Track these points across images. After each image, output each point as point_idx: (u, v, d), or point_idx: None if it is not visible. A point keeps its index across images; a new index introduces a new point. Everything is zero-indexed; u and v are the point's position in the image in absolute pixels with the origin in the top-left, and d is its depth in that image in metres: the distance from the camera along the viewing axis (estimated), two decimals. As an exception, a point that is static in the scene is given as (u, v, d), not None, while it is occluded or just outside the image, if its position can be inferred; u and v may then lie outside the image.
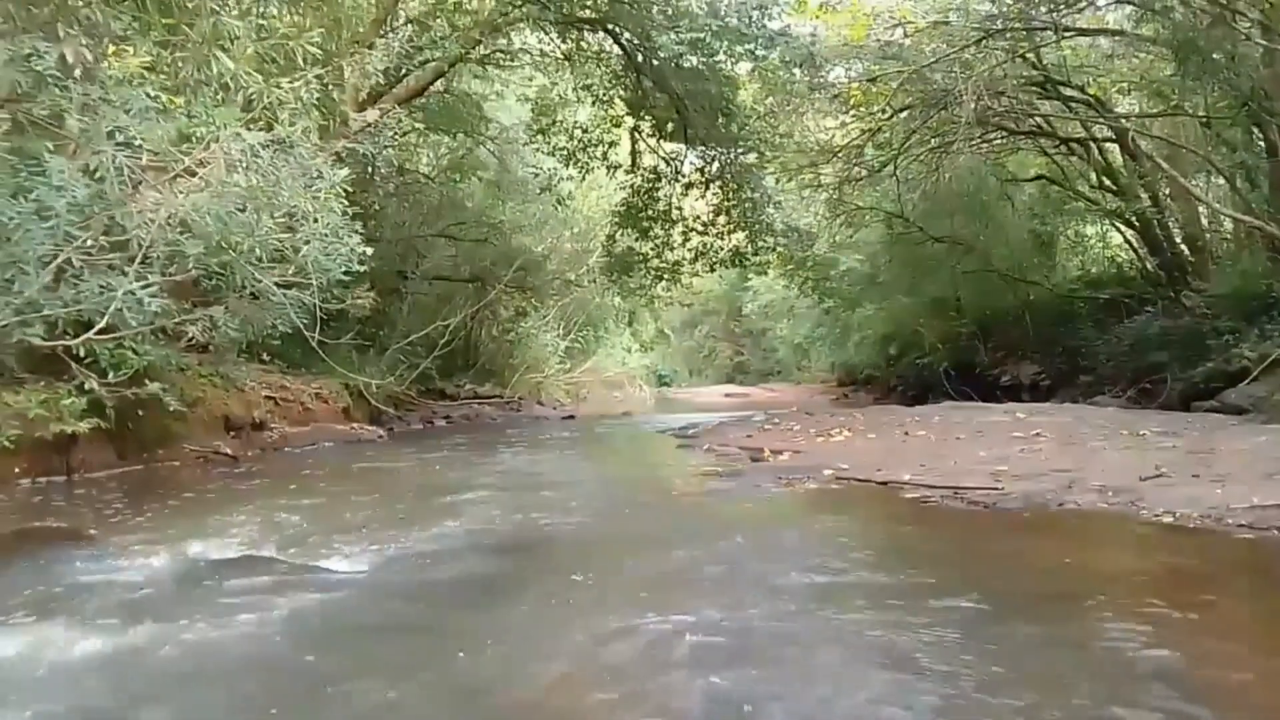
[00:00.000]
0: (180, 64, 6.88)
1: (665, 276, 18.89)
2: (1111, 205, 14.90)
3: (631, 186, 17.70)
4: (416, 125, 13.96)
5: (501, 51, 14.80)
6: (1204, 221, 14.54)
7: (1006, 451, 7.38)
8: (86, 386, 6.72)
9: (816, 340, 28.82)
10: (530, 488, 7.19)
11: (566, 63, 15.19)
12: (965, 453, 7.52)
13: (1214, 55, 10.31)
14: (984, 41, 11.39)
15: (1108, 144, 14.38)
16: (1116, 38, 12.71)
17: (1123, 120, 13.33)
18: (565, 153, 16.89)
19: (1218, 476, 5.78)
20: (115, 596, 3.55)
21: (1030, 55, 12.43)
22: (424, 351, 14.66)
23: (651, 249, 18.19)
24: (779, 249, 18.29)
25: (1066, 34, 11.87)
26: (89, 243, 5.36)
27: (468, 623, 3.42)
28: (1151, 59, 12.64)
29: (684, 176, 17.27)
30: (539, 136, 16.96)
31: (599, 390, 26.14)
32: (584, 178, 18.03)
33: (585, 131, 16.86)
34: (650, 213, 17.71)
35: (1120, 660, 2.85)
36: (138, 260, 5.58)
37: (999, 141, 15.11)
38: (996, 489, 5.98)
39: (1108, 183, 14.80)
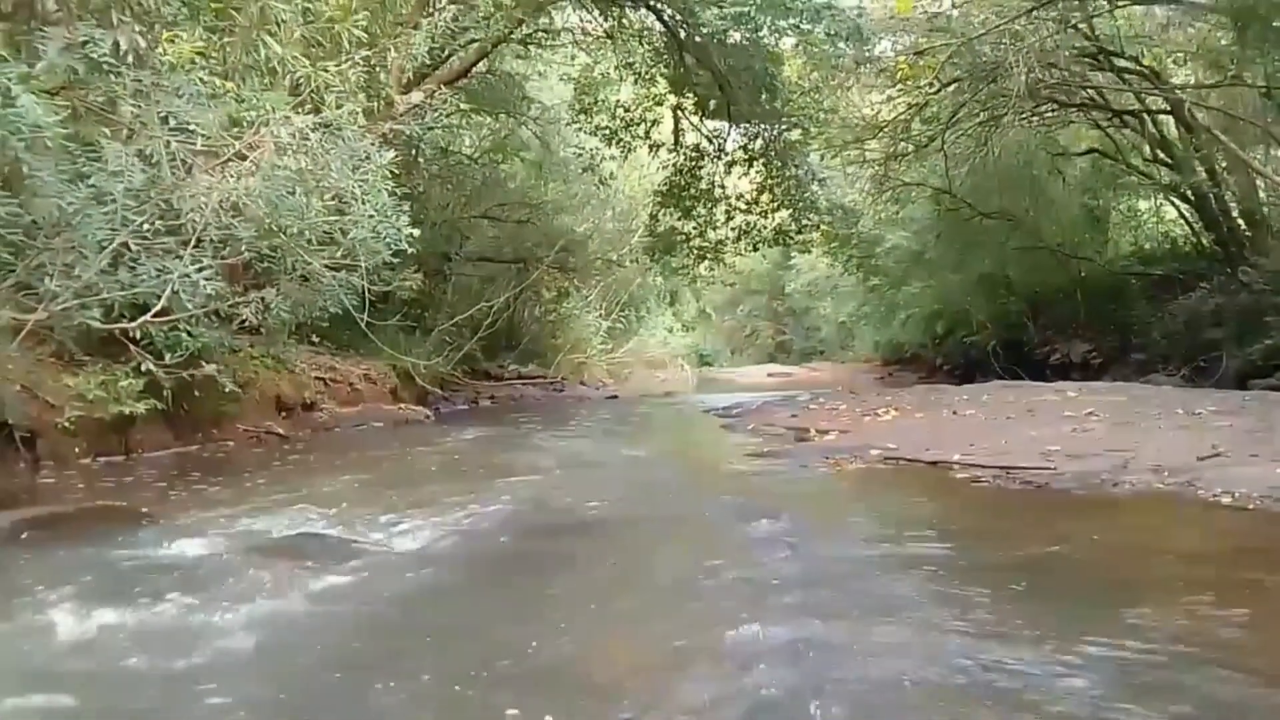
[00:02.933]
0: (229, 49, 6.98)
1: (708, 256, 18.85)
2: (1166, 179, 14.58)
3: (674, 165, 17.64)
4: (460, 106, 14.00)
5: (544, 31, 14.80)
6: (1262, 195, 14.13)
7: (1058, 431, 7.26)
8: (143, 368, 6.85)
9: (861, 319, 28.57)
10: (577, 467, 7.24)
11: (608, 41, 15.13)
12: (1016, 432, 7.41)
13: (1274, 23, 9.98)
14: (1035, 12, 11.12)
15: (1162, 116, 14.01)
16: (1172, 6, 12.35)
17: (1178, 91, 12.96)
18: (607, 132, 16.86)
19: (1278, 456, 5.65)
20: (178, 573, 3.63)
21: (1083, 25, 12.11)
22: (468, 332, 14.77)
23: (694, 228, 18.15)
24: (823, 227, 18.18)
25: (1120, 3, 11.57)
26: (145, 227, 5.45)
27: (525, 596, 3.45)
28: (1209, 28, 12.26)
29: (727, 154, 17.18)
30: (581, 116, 16.94)
31: (641, 370, 26.15)
32: (626, 157, 18.00)
33: (627, 110, 16.81)
34: (693, 191, 17.65)
35: (1177, 641, 2.81)
36: (192, 244, 5.67)
37: (1050, 114, 14.77)
38: (1049, 469, 5.89)
39: (1162, 156, 14.45)
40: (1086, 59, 13.00)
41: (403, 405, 11.67)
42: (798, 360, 37.75)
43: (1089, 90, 13.96)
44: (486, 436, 9.63)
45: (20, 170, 4.71)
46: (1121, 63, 12.88)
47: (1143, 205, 17.82)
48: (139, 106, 5.66)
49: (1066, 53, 12.11)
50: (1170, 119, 13.82)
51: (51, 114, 4.77)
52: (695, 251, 18.66)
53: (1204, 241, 14.89)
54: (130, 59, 5.50)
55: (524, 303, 18.99)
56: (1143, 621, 2.99)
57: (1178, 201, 15.27)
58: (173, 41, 5.92)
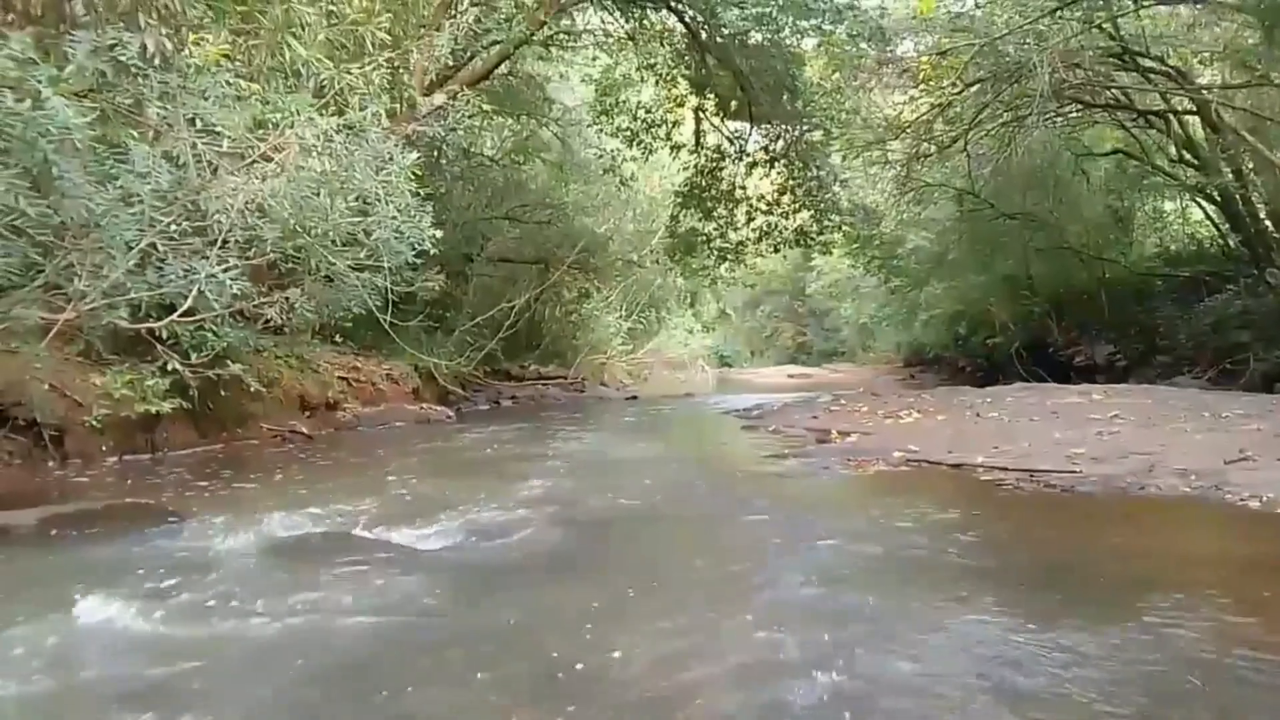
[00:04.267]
0: (254, 51, 7.03)
1: (728, 257, 18.80)
2: (1192, 180, 14.43)
3: (695, 166, 17.63)
4: (482, 108, 14.06)
5: (565, 32, 14.83)
6: (1289, 196, 13.98)
7: (1083, 434, 7.21)
8: (169, 367, 6.92)
9: (882, 320, 28.46)
10: (599, 467, 7.24)
11: (630, 42, 15.13)
12: (1039, 435, 7.36)
13: (1303, 22, 9.87)
14: (1059, 12, 11.05)
15: (1188, 116, 13.88)
16: (1198, 6, 12.22)
17: (1204, 91, 12.83)
18: (628, 133, 16.85)
19: (1307, 460, 5.59)
20: (204, 570, 3.66)
21: (1107, 25, 12.01)
22: (489, 333, 14.82)
23: (715, 229, 18.13)
24: (845, 227, 18.12)
25: (1145, 3, 11.46)
26: (172, 228, 5.49)
27: (550, 597, 3.46)
28: (1236, 27, 12.13)
29: (748, 155, 17.14)
30: (602, 117, 16.95)
31: (661, 371, 26.19)
32: (647, 158, 17.98)
33: (648, 111, 16.80)
34: (714, 192, 17.63)
35: (1202, 645, 2.79)
36: (218, 244, 5.71)
37: (1074, 115, 14.65)
38: (1073, 472, 5.85)
39: (1188, 156, 14.32)
40: (1111, 59, 12.88)
41: (424, 405, 11.73)
42: (818, 361, 37.67)
43: (1114, 90, 13.85)
44: (508, 436, 9.65)
45: (50, 171, 4.76)
46: (1147, 63, 12.76)
47: (1168, 206, 17.67)
48: (166, 108, 5.71)
49: (1091, 53, 12.02)
50: (1196, 119, 13.69)
51: (80, 116, 4.82)
52: (716, 252, 18.64)
53: (1230, 243, 14.73)
54: (157, 61, 5.55)
55: (545, 303, 19.04)
56: (1167, 626, 2.97)
57: (1204, 202, 15.13)
58: (199, 44, 5.97)
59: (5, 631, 2.90)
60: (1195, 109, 13.28)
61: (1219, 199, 14.04)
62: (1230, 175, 13.19)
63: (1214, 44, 12.92)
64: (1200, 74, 14.02)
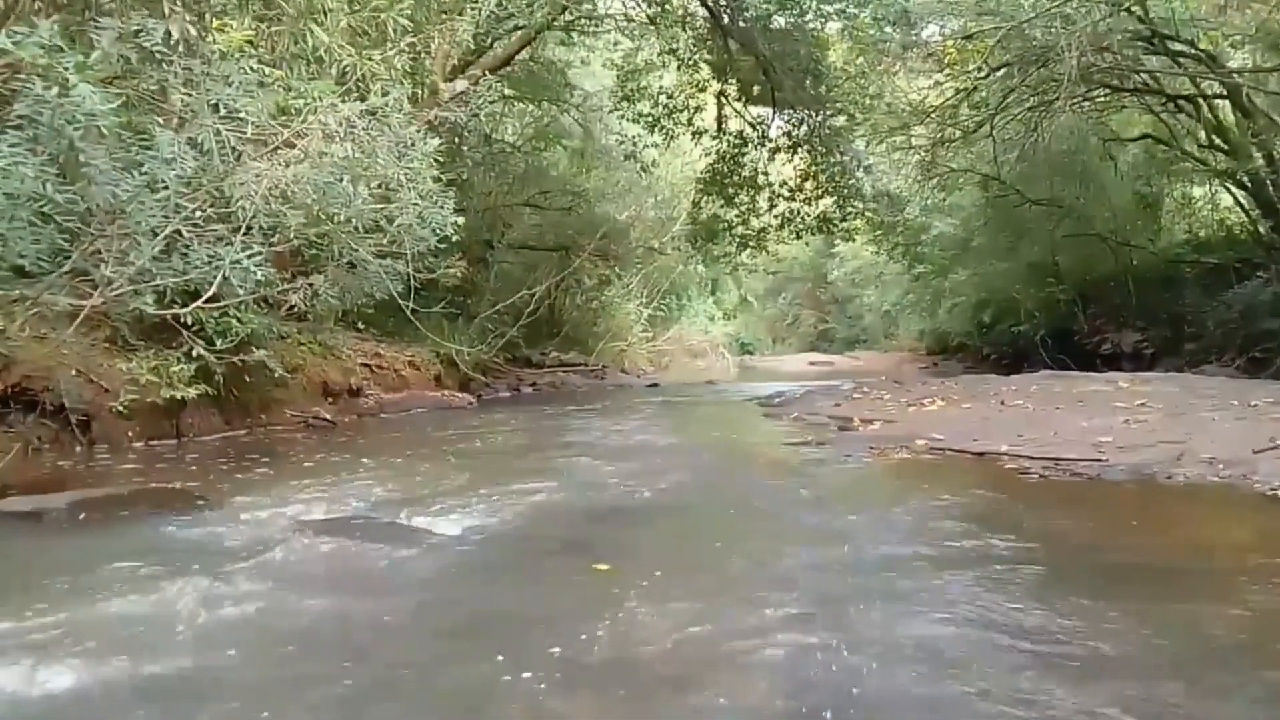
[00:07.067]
0: (277, 37, 7.04)
1: (750, 244, 18.74)
2: (1222, 165, 14.21)
3: (717, 152, 17.56)
4: (504, 94, 14.05)
5: (587, 17, 14.76)
6: (1321, 182, 13.75)
7: (1109, 422, 7.14)
8: (194, 353, 6.96)
9: (905, 307, 28.29)
10: (620, 454, 7.23)
11: (651, 27, 15.05)
12: (1066, 423, 7.29)
13: (1340, 3, 9.69)
14: (1087, -6, 10.89)
15: (1219, 101, 13.67)
16: (1231, -13, 12.04)
17: (1235, 75, 12.63)
18: (650, 119, 16.79)
19: (1339, 449, 5.50)
20: (231, 555, 3.69)
21: (1136, 8, 11.82)
22: (510, 320, 14.84)
23: (736, 216, 18.08)
24: (868, 214, 18.01)
25: (1176, -16, 11.29)
26: (196, 214, 5.51)
27: (572, 582, 3.46)
28: (1269, 10, 11.92)
29: (771, 141, 17.07)
30: (623, 103, 16.89)
31: (682, 358, 26.15)
32: (668, 144, 17.93)
33: (670, 97, 16.74)
34: (736, 179, 17.58)
35: (1236, 637, 2.76)
36: (242, 230, 5.73)
37: (1102, 99, 14.46)
38: (1100, 460, 5.79)
39: (1218, 141, 14.09)
40: (1140, 42, 12.68)
41: (446, 391, 11.78)
42: (840, 349, 37.54)
43: (1142, 74, 13.64)
44: (529, 423, 9.67)
45: (76, 158, 4.78)
46: (1176, 46, 12.55)
47: (1197, 192, 17.43)
48: (190, 95, 5.73)
49: (1119, 36, 11.83)
50: (1227, 103, 13.48)
51: (106, 102, 4.83)
52: (738, 239, 18.59)
53: (1261, 229, 14.51)
54: (181, 48, 5.57)
55: (565, 290, 19.07)
56: (1195, 616, 2.94)
57: (1234, 188, 14.90)
58: (222, 30, 5.98)
59: (42, 616, 2.93)
60: (1226, 93, 13.08)
61: (1249, 184, 13.83)
62: (1261, 160, 13.00)
63: (1245, 27, 12.70)
64: (1231, 57, 13.78)
